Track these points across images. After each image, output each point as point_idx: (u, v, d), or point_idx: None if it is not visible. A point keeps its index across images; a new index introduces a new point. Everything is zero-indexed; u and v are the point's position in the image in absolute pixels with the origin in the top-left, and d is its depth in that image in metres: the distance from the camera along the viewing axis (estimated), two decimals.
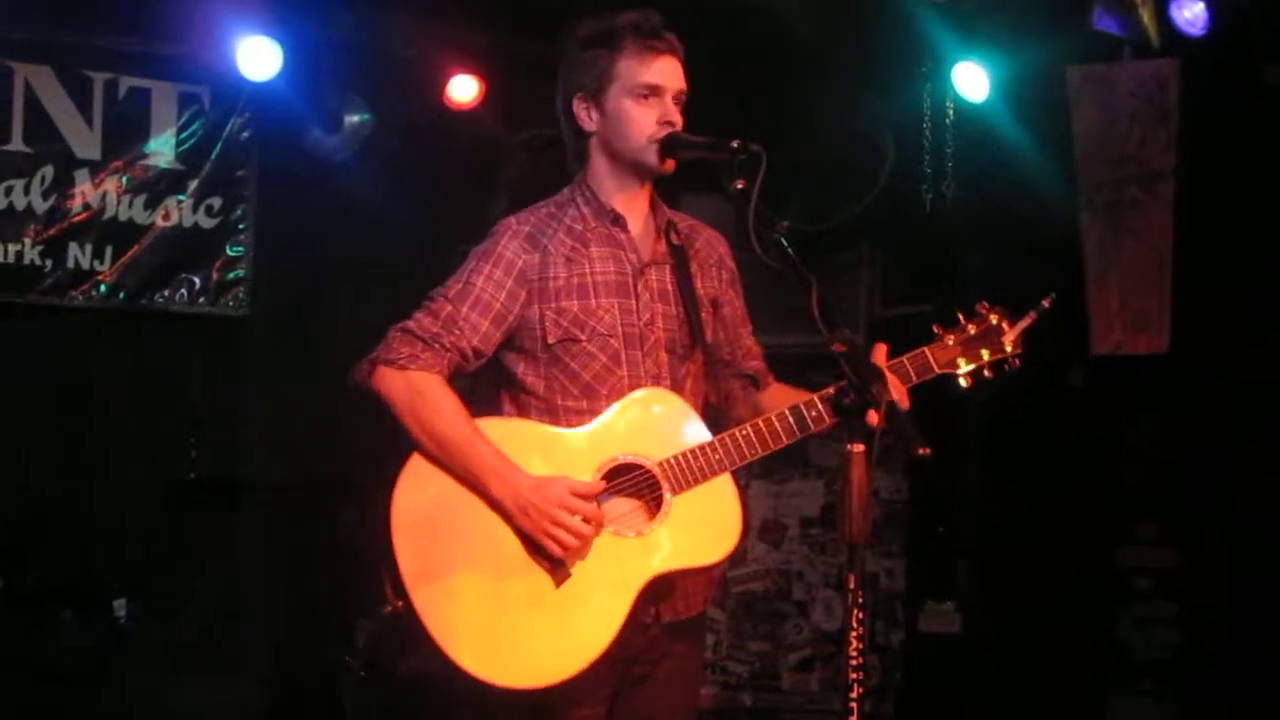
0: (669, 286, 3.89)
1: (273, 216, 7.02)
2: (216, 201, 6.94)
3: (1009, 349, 3.85)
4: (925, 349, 3.82)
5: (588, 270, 3.81)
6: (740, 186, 3.57)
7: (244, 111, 6.96)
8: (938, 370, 3.81)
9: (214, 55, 6.58)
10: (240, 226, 6.99)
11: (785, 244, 3.48)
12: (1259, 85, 6.24)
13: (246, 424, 6.92)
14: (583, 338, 3.77)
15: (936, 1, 6.58)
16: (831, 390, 3.56)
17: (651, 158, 3.79)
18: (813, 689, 7.80)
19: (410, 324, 3.75)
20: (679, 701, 3.95)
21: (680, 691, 3.94)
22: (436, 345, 3.71)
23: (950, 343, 3.84)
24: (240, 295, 6.98)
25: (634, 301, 3.82)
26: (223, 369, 6.92)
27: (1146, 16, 6.25)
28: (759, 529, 7.79)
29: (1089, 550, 7.25)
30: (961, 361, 3.82)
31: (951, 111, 6.98)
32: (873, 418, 3.24)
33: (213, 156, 6.92)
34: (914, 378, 3.79)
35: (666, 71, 3.80)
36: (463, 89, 6.98)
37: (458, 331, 3.73)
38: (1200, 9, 6.20)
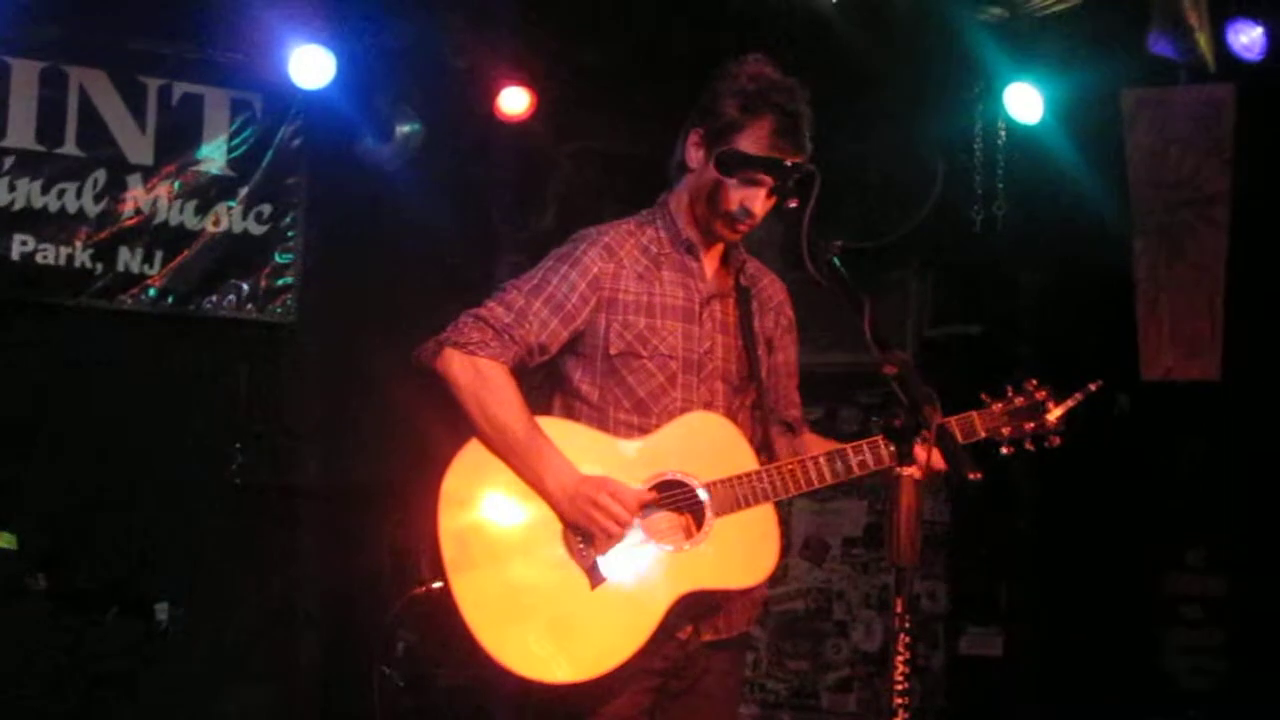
0: (731, 320, 3.95)
1: (322, 224, 7.05)
2: (266, 208, 6.97)
3: (1051, 425, 3.94)
4: (973, 414, 3.90)
5: (657, 291, 3.87)
6: (794, 205, 3.60)
7: (295, 119, 7.00)
8: (982, 435, 3.90)
9: (267, 63, 6.62)
10: (290, 234, 7.02)
11: (838, 263, 3.48)
12: None
13: (292, 430, 6.94)
14: (644, 354, 3.82)
15: (990, 22, 6.57)
16: (880, 438, 3.71)
17: (720, 229, 3.87)
18: (851, 709, 7.77)
19: (483, 311, 3.78)
20: (718, 717, 3.96)
21: (720, 707, 3.96)
22: (506, 335, 3.75)
23: (996, 411, 3.92)
24: (289, 302, 7.01)
25: (697, 328, 3.88)
26: (270, 375, 6.96)
27: (1203, 40, 6.20)
28: (800, 546, 7.77)
29: (1135, 576, 7.19)
30: (1005, 431, 3.92)
31: (1004, 132, 6.96)
32: (925, 439, 3.23)
33: (264, 163, 6.96)
34: (960, 439, 3.81)
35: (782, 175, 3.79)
36: (514, 101, 6.99)
37: (527, 325, 3.77)
38: (1258, 34, 6.15)
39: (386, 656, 5.82)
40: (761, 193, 3.79)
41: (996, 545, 7.49)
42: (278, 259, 7.00)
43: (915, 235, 7.35)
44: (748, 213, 3.80)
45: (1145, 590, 7.26)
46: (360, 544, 6.78)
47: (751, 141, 3.76)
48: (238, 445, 6.84)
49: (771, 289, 4.08)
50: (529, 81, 6.96)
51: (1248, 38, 6.16)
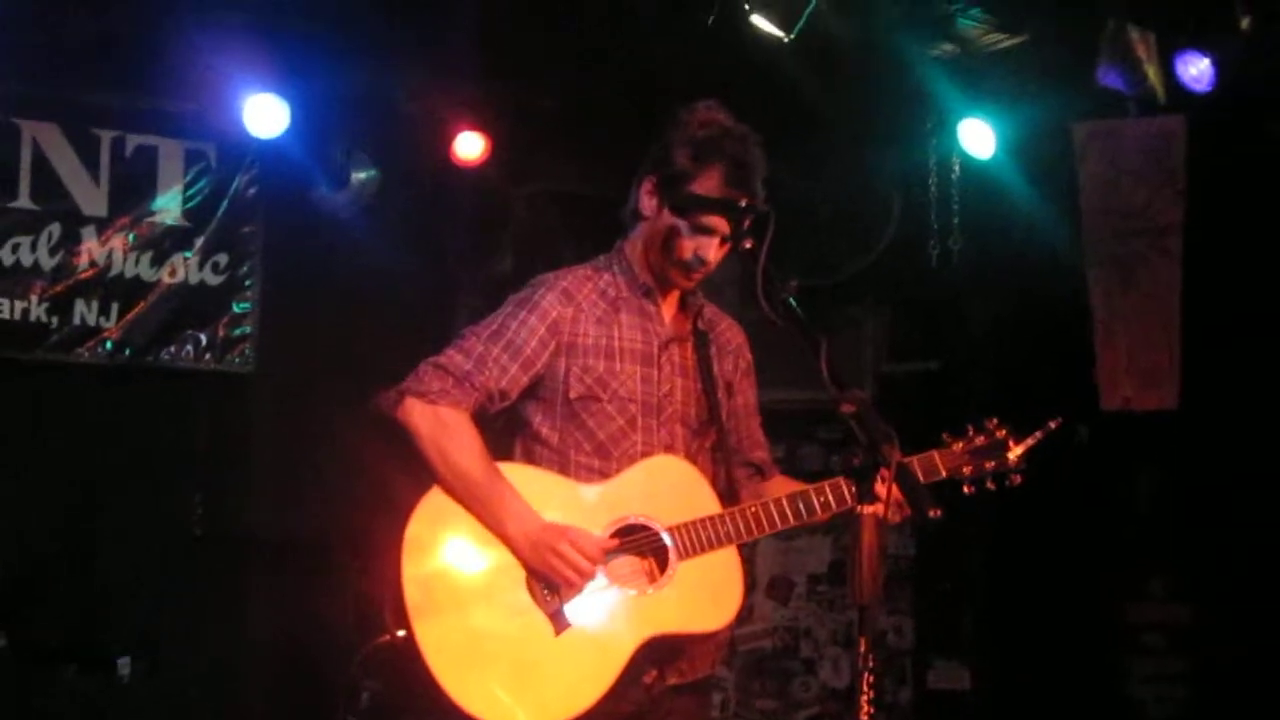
0: (690, 363, 3.97)
1: (279, 273, 7.03)
2: (223, 258, 6.95)
3: (1012, 463, 3.95)
4: (934, 452, 3.92)
5: (616, 334, 3.89)
6: (749, 246, 3.65)
7: (251, 168, 6.98)
8: (944, 474, 3.90)
9: (221, 113, 6.61)
10: (246, 283, 7.00)
11: (793, 303, 3.51)
12: (1266, 141, 6.23)
13: (253, 481, 6.91)
14: (604, 398, 3.84)
15: (942, 58, 6.62)
16: (842, 478, 3.76)
17: (675, 277, 3.89)
18: None
19: (442, 359, 3.81)
20: None
21: None
22: (466, 383, 3.77)
23: (957, 450, 3.93)
24: (246, 352, 6.98)
25: (656, 371, 3.90)
26: (229, 426, 6.91)
27: (1152, 73, 6.25)
28: (767, 586, 7.76)
29: (1099, 607, 7.21)
30: (966, 470, 3.93)
31: (958, 167, 7.01)
32: (884, 477, 3.25)
33: (219, 213, 6.94)
34: (920, 477, 3.83)
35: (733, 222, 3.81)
36: (469, 145, 7.00)
37: (487, 371, 3.79)
38: (1206, 65, 6.19)
39: (352, 707, 5.76)
40: (715, 241, 3.81)
41: (960, 578, 7.50)
42: (235, 309, 6.97)
43: (871, 271, 7.38)
44: (702, 261, 3.83)
45: (1108, 619, 7.27)
46: (320, 593, 6.72)
47: (703, 190, 3.79)
48: (197, 496, 6.80)
49: (729, 333, 4.11)
50: (484, 126, 6.98)
51: (1196, 69, 6.20)
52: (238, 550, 6.80)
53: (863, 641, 3.24)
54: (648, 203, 3.90)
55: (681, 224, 3.81)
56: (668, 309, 3.98)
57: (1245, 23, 5.96)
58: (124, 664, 6.41)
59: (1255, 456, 6.68)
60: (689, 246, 3.81)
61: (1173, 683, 7.20)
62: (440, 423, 3.74)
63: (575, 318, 3.86)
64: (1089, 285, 6.76)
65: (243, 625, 6.74)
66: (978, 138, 6.80)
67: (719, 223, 3.78)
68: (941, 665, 7.54)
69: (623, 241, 4.00)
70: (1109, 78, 6.30)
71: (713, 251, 3.83)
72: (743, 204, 3.69)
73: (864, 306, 7.65)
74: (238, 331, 6.97)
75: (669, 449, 3.86)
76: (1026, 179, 6.83)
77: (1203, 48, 6.20)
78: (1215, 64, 6.21)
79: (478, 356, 3.79)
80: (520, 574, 3.70)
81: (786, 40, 5.84)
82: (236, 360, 6.97)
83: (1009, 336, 7.23)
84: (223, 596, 6.71)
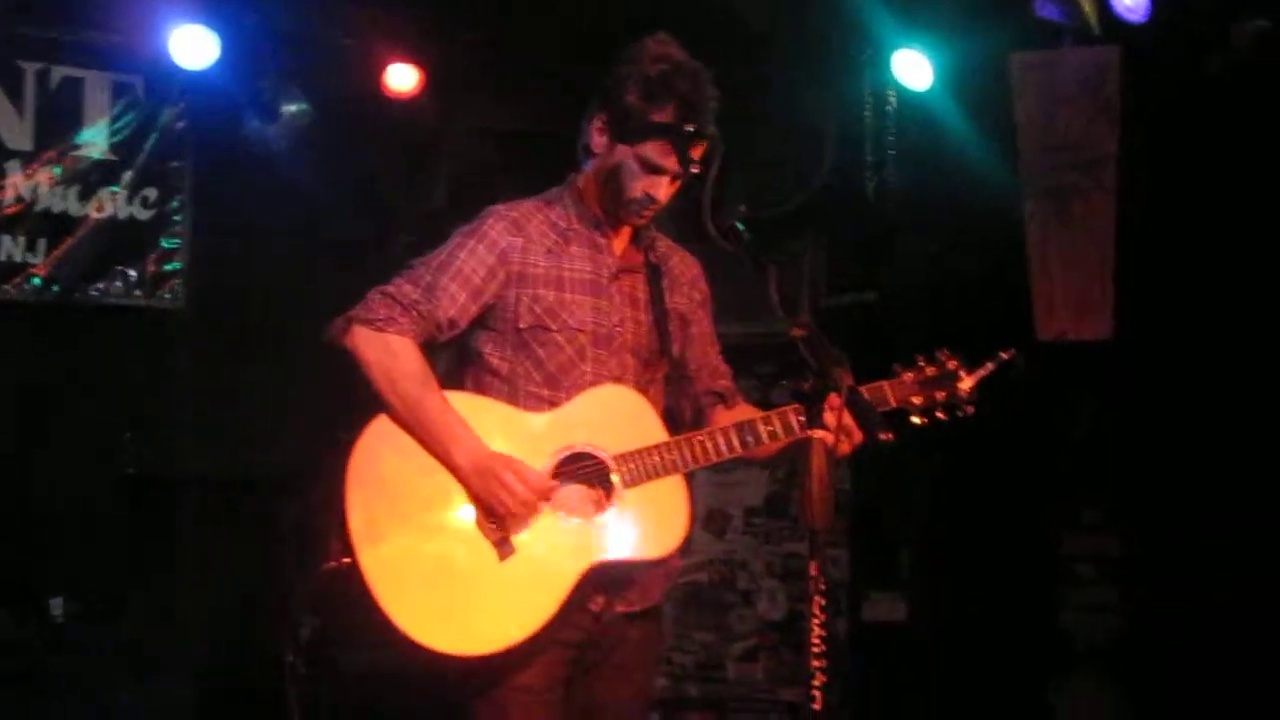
0: (641, 295, 3.96)
1: (209, 208, 6.95)
2: (152, 193, 6.85)
3: (964, 395, 3.92)
4: (883, 383, 3.89)
5: (566, 265, 3.88)
6: (696, 172, 3.71)
7: (179, 101, 6.89)
8: (893, 405, 3.88)
9: (148, 44, 6.51)
10: (176, 218, 6.91)
11: (742, 229, 3.50)
12: (1200, 72, 6.25)
13: (183, 418, 6.83)
14: (553, 328, 3.83)
15: None
16: (789, 408, 3.74)
17: (625, 215, 3.87)
18: (758, 678, 7.80)
19: (390, 288, 3.79)
20: (633, 687, 3.98)
21: (636, 678, 3.98)
22: (414, 311, 3.75)
23: (907, 380, 3.91)
24: (176, 288, 6.91)
25: (606, 302, 3.89)
26: (159, 362, 6.82)
27: (1087, 4, 6.26)
28: (703, 519, 7.77)
29: (1033, 537, 7.26)
30: (916, 401, 3.90)
31: (894, 99, 6.98)
32: (834, 402, 3.25)
33: (147, 147, 6.84)
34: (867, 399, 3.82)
35: (683, 158, 3.80)
36: (401, 78, 6.92)
37: (436, 300, 3.77)
38: None
39: (292, 644, 5.73)
40: (665, 179, 3.80)
41: (896, 510, 7.53)
42: (164, 244, 6.88)
43: (807, 204, 7.36)
44: (652, 199, 3.81)
45: (1042, 550, 7.33)
46: (256, 531, 6.70)
47: (655, 146, 3.76)
48: (128, 434, 6.72)
49: (683, 265, 4.09)
50: (417, 58, 6.89)
51: (1131, 0, 6.21)
52: (170, 487, 6.74)
53: (813, 565, 3.25)
54: (598, 139, 3.87)
55: (632, 162, 3.79)
56: (619, 242, 3.96)
57: None
58: (56, 605, 6.35)
59: (1189, 387, 6.73)
60: (639, 185, 3.79)
61: (1103, 612, 7.26)
62: (388, 350, 3.73)
63: (525, 248, 3.85)
64: (1025, 216, 6.77)
65: (177, 563, 6.67)
66: (914, 69, 6.78)
67: (669, 161, 3.76)
68: (877, 597, 7.58)
69: (575, 176, 3.97)
70: (1045, 9, 6.31)
71: (663, 190, 3.81)
72: (691, 130, 3.70)
73: (802, 240, 7.64)
74: (167, 267, 6.89)
75: (618, 380, 3.85)
76: (963, 111, 6.82)
77: None
78: None
79: (426, 285, 3.78)
80: (466, 501, 3.70)
81: None
82: (166, 296, 6.89)
83: (946, 268, 7.24)
84: (156, 534, 6.64)
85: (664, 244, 4.06)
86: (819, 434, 3.27)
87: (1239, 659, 6.46)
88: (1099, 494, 7.24)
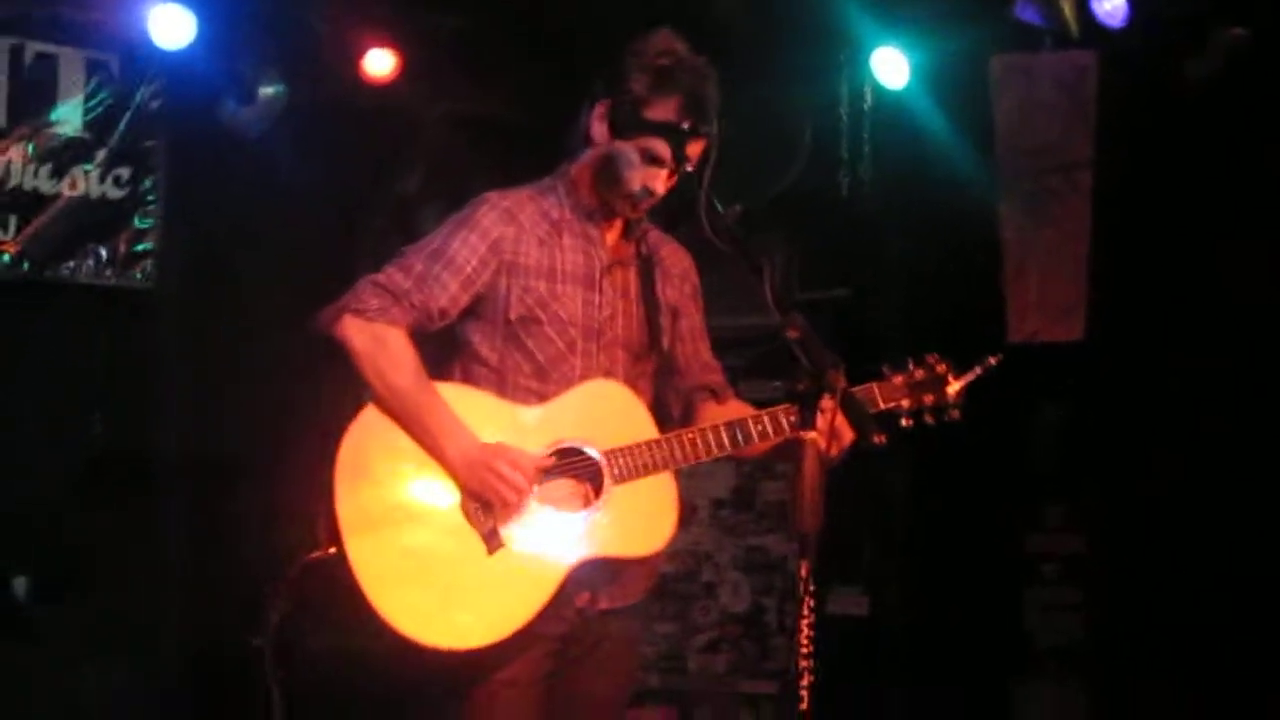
0: (633, 288, 3.98)
1: (183, 188, 6.87)
2: (125, 172, 6.77)
3: (951, 398, 3.99)
4: (873, 385, 3.95)
5: (558, 256, 3.88)
6: (690, 170, 3.74)
7: (154, 81, 6.79)
8: (882, 406, 3.94)
9: (124, 22, 6.44)
10: (149, 198, 6.83)
11: (736, 228, 3.53)
12: (1178, 77, 6.29)
13: (154, 399, 6.78)
14: (544, 319, 3.83)
15: None
16: (781, 407, 3.80)
17: (621, 207, 3.89)
18: (719, 670, 7.82)
19: (381, 277, 3.79)
20: (616, 682, 4.03)
21: (619, 673, 4.04)
22: (405, 301, 3.76)
23: (896, 383, 3.97)
24: (148, 267, 6.82)
25: (597, 295, 3.90)
26: (130, 343, 6.76)
27: (1067, 7, 6.29)
28: None
29: (997, 536, 7.30)
30: (904, 404, 3.96)
31: (870, 97, 7.00)
32: (827, 403, 3.27)
33: (121, 126, 6.75)
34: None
35: (684, 152, 3.82)
36: (379, 62, 6.88)
37: (427, 289, 3.77)
38: (1121, 1, 6.25)
39: (260, 630, 5.71)
40: (663, 173, 3.81)
41: (860, 504, 7.55)
42: (137, 224, 6.80)
43: (781, 201, 7.37)
44: (649, 192, 3.83)
45: (1007, 550, 7.37)
46: (225, 513, 6.67)
47: (657, 118, 3.79)
48: (97, 414, 6.67)
49: (675, 257, 4.11)
50: (395, 43, 6.86)
51: (1111, 5, 6.25)
52: (140, 470, 6.67)
53: (803, 566, 3.28)
54: (599, 128, 3.87)
55: (633, 154, 3.79)
56: (611, 234, 3.97)
57: None
58: (19, 584, 6.31)
59: (1155, 389, 6.78)
60: (638, 177, 3.81)
61: (1065, 612, 7.31)
62: (378, 340, 3.73)
63: (517, 237, 3.85)
64: (1001, 218, 6.81)
65: (147, 547, 6.62)
66: (891, 68, 6.80)
67: (670, 155, 3.78)
68: (840, 591, 7.60)
69: (569, 165, 3.98)
70: (1025, 11, 6.33)
71: (660, 183, 3.82)
72: (693, 128, 3.75)
73: (775, 235, 7.65)
74: (140, 247, 6.81)
75: (608, 374, 3.87)
76: (941, 110, 6.84)
77: None
78: (1129, 0, 6.26)
79: (417, 274, 3.78)
80: (455, 493, 3.71)
81: None
82: (138, 276, 6.81)
83: (919, 267, 7.27)
84: (125, 517, 6.57)
85: (655, 235, 4.08)
86: (811, 435, 3.28)
87: (1202, 660, 6.52)
88: (1064, 494, 7.29)
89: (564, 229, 3.91)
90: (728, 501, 7.86)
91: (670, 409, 4.02)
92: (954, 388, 3.99)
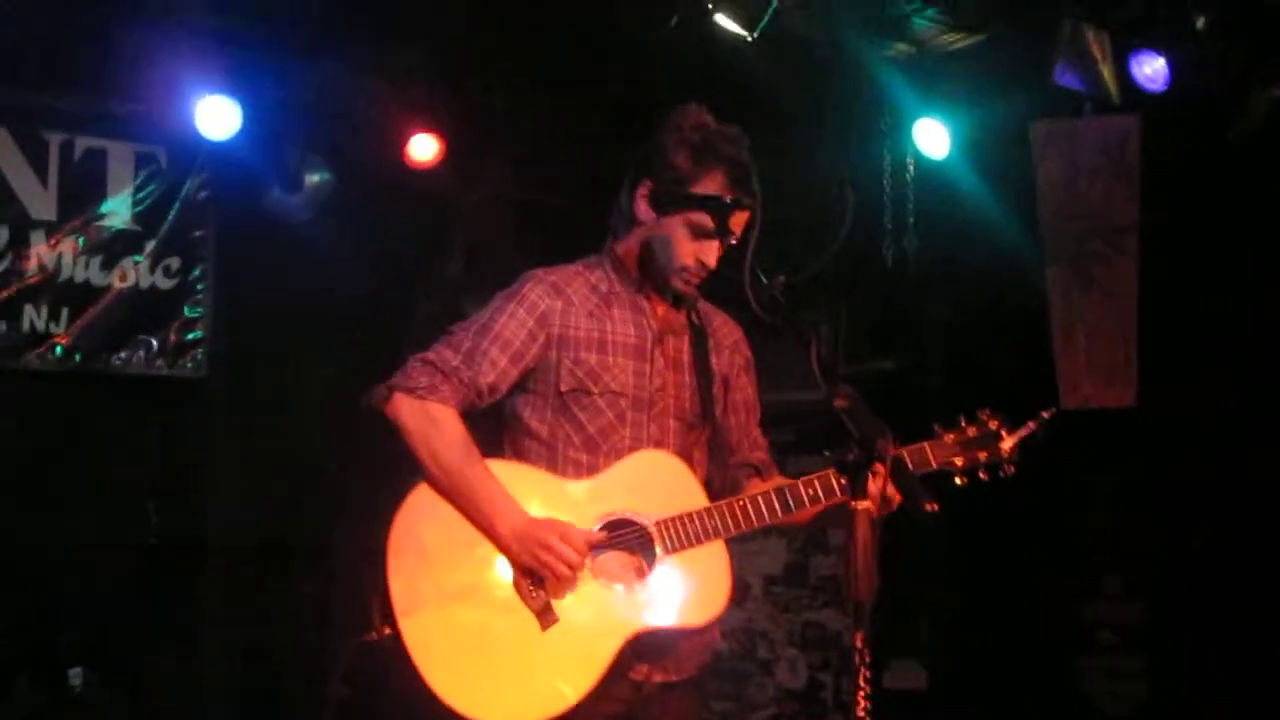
0: (685, 357, 3.96)
1: (231, 277, 6.94)
2: (174, 262, 6.85)
3: (1005, 454, 3.89)
4: (925, 444, 3.88)
5: (609, 328, 3.88)
6: (735, 242, 3.72)
7: (202, 171, 6.88)
8: (935, 466, 3.86)
9: (171, 115, 6.51)
10: (198, 287, 6.90)
11: (781, 299, 3.50)
12: (1220, 140, 6.29)
13: (206, 487, 6.82)
14: (595, 391, 3.83)
15: (897, 58, 6.63)
16: (829, 471, 3.73)
17: (674, 282, 3.88)
18: None
19: (431, 355, 3.80)
20: None
21: None
22: (455, 378, 3.76)
23: (949, 441, 3.89)
24: (198, 356, 6.88)
25: (648, 365, 3.88)
26: (181, 431, 6.81)
27: (1107, 73, 6.29)
28: None
29: (1054, 605, 7.23)
30: (958, 462, 3.88)
31: (912, 167, 7.02)
32: (879, 471, 3.23)
33: (170, 217, 6.84)
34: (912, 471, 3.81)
35: (732, 223, 3.83)
36: (423, 148, 6.93)
37: (476, 366, 3.78)
38: (1161, 64, 6.26)
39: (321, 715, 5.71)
40: (715, 244, 3.80)
41: (917, 577, 7.50)
42: (187, 313, 6.87)
43: (826, 272, 7.37)
44: (703, 265, 3.82)
45: (1064, 618, 7.30)
46: (277, 599, 6.68)
47: (705, 192, 3.79)
48: (150, 503, 6.71)
49: (725, 328, 4.09)
50: (438, 128, 6.92)
51: (1151, 69, 6.26)
52: (192, 557, 6.70)
53: (858, 637, 3.24)
54: (644, 208, 3.87)
55: (682, 229, 3.80)
56: (661, 305, 3.96)
57: (1200, 22, 6.02)
58: (75, 674, 6.33)
59: (1210, 455, 6.73)
60: (691, 250, 3.81)
61: (1128, 679, 7.23)
62: (429, 418, 3.73)
63: (565, 310, 3.86)
64: (1047, 284, 6.80)
65: (199, 633, 6.64)
66: (933, 138, 6.82)
67: (721, 226, 3.78)
68: (898, 665, 7.54)
69: (612, 243, 3.98)
70: (1065, 77, 6.33)
71: (713, 255, 3.82)
72: (736, 200, 3.75)
73: (819, 307, 7.65)
74: (190, 336, 6.88)
75: (659, 444, 3.85)
76: (981, 179, 6.85)
77: (1157, 47, 6.26)
78: (1170, 63, 6.27)
79: (466, 351, 3.79)
80: (507, 571, 3.70)
81: (750, 39, 5.83)
82: (188, 365, 6.87)
83: (965, 335, 7.25)
84: (178, 604, 6.60)
85: (705, 306, 4.06)
86: (863, 504, 3.25)
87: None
88: (1120, 562, 7.22)
89: (613, 301, 3.91)
90: (780, 578, 7.82)
91: (713, 483, 3.97)
92: (1008, 443, 3.89)
